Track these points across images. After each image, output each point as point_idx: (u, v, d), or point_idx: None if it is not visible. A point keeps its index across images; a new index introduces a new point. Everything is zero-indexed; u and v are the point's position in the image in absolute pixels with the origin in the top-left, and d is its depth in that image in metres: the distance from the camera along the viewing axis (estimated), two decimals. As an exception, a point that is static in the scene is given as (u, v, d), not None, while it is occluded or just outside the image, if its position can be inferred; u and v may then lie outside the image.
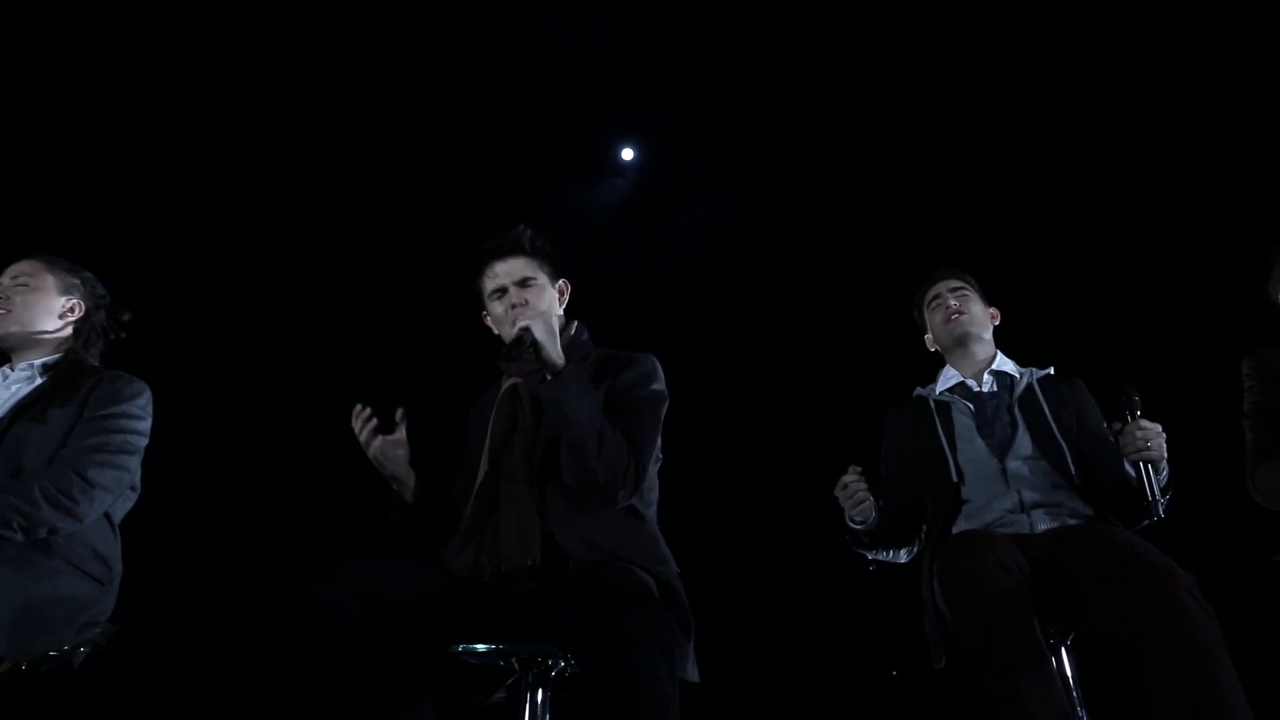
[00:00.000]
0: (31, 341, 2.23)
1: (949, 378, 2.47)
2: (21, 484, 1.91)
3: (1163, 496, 1.99)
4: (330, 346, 5.25)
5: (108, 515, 2.11)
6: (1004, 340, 2.58)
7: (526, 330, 1.93)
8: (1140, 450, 1.97)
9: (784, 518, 4.54)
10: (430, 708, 1.75)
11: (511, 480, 1.94)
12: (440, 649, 1.81)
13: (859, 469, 2.27)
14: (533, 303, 2.09)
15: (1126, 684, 1.81)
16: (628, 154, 6.06)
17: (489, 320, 2.21)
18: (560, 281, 2.21)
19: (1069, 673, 1.92)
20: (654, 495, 2.08)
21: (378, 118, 5.72)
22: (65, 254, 4.83)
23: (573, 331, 2.16)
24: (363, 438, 2.03)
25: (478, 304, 2.24)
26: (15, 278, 2.27)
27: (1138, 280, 4.36)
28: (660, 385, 2.10)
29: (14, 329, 2.21)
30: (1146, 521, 2.09)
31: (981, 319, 2.49)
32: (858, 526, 2.29)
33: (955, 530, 2.14)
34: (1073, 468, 2.18)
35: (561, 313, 2.20)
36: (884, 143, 5.51)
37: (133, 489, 2.17)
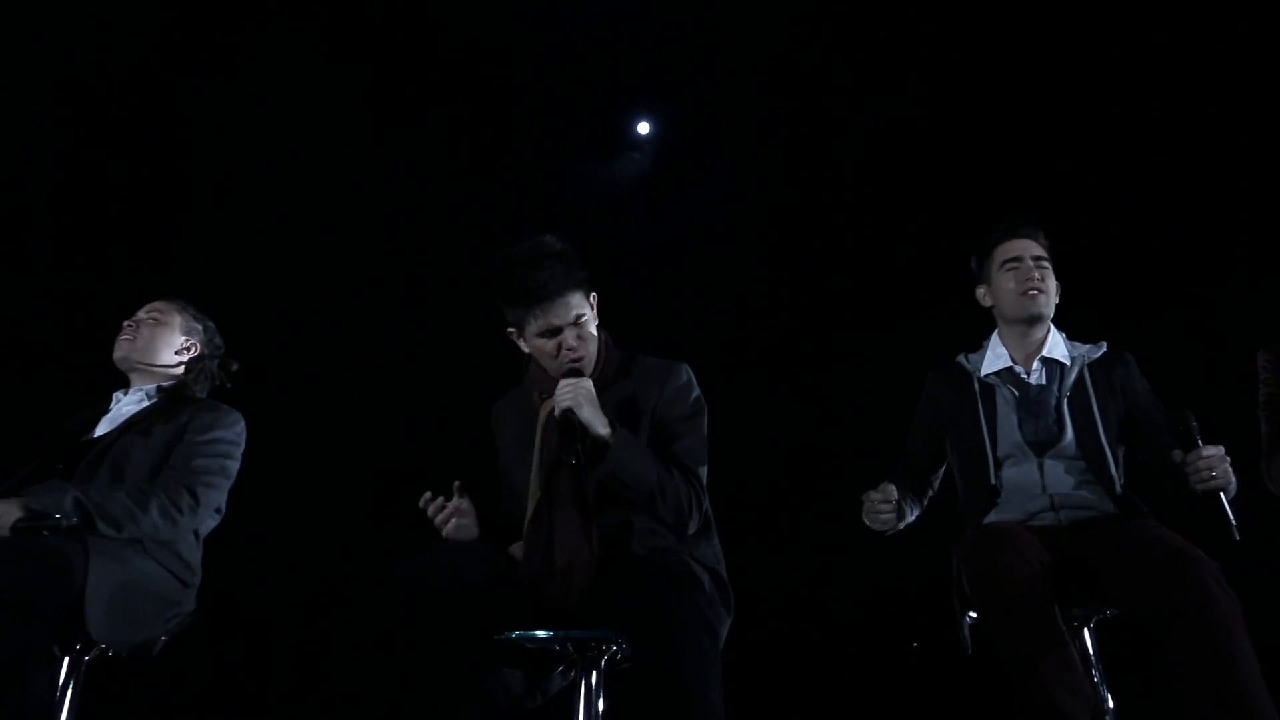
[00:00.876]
0: (148, 369, 2.50)
1: (997, 357, 2.36)
2: (140, 490, 2.12)
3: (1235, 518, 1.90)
4: (349, 332, 5.31)
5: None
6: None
7: (569, 412, 1.96)
8: (1207, 481, 1.91)
9: (806, 490, 4.65)
10: (501, 687, 1.89)
11: (564, 508, 1.98)
12: (506, 632, 1.93)
13: (892, 490, 2.14)
14: (585, 343, 2.10)
15: (1147, 664, 1.92)
16: (644, 128, 6.09)
17: (519, 340, 2.19)
18: (591, 296, 2.17)
19: (1091, 654, 2.04)
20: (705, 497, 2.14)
21: (389, 93, 5.72)
22: (74, 242, 4.91)
23: (601, 341, 2.19)
24: (438, 521, 2.05)
25: (498, 314, 2.20)
26: (149, 312, 2.56)
27: (1158, 267, 4.40)
28: (698, 395, 2.16)
29: (136, 355, 2.48)
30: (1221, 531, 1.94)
31: (1053, 299, 2.35)
32: (877, 530, 2.23)
33: (987, 520, 2.22)
34: (1114, 470, 2.19)
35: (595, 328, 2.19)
36: (905, 113, 5.50)
37: (218, 511, 2.37)
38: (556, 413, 1.97)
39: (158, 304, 2.59)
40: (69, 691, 2.00)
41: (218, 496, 2.30)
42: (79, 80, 4.98)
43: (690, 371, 2.20)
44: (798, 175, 5.72)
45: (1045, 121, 5.10)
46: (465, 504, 2.07)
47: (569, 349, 2.07)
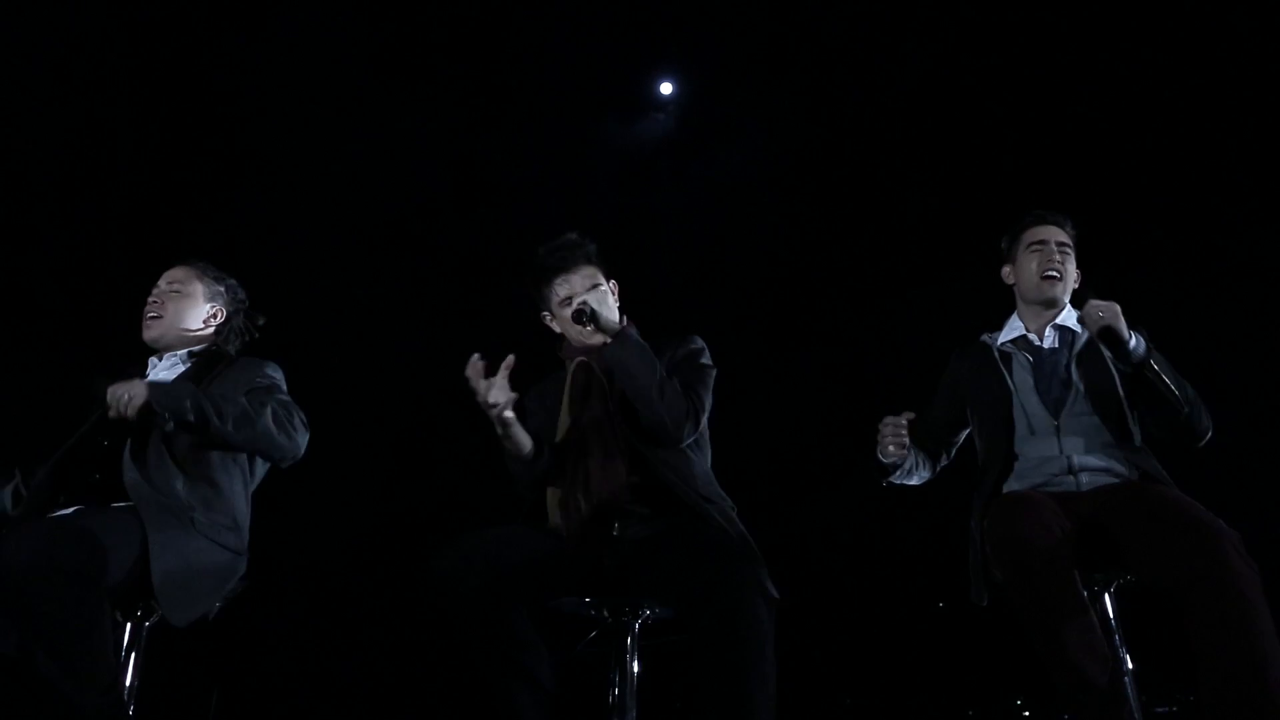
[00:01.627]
0: (179, 340, 2.50)
1: (1013, 328, 2.48)
2: (253, 401, 2.22)
3: (1183, 401, 2.10)
4: (375, 293, 5.36)
5: (245, 480, 2.36)
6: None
7: (584, 303, 2.21)
8: (1098, 320, 2.09)
9: (829, 453, 4.70)
10: (545, 654, 1.98)
11: (594, 429, 2.16)
12: (546, 603, 2.05)
13: (911, 417, 2.27)
14: (602, 303, 2.30)
15: (1167, 627, 1.97)
16: (666, 88, 6.06)
17: (551, 321, 2.41)
18: (610, 281, 2.39)
19: (1111, 618, 2.09)
20: (708, 449, 2.30)
21: (410, 54, 5.72)
22: (94, 208, 4.92)
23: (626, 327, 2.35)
24: (482, 387, 2.07)
25: (531, 301, 2.42)
26: (170, 283, 2.53)
27: (1188, 236, 4.36)
28: (709, 360, 2.33)
29: (166, 332, 2.48)
30: (1186, 430, 2.16)
31: (1070, 285, 2.46)
32: (886, 462, 2.35)
33: (1006, 488, 2.27)
34: (1132, 425, 2.24)
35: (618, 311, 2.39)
36: (930, 70, 5.44)
37: (245, 471, 2.40)
38: (574, 308, 2.22)
39: (176, 272, 2.56)
40: (133, 655, 2.11)
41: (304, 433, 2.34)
42: (96, 46, 5.00)
43: (703, 343, 2.36)
44: (824, 135, 5.68)
45: (1083, 75, 5.02)
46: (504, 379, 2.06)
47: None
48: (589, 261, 2.33)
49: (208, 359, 2.45)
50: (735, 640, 1.71)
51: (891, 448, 2.26)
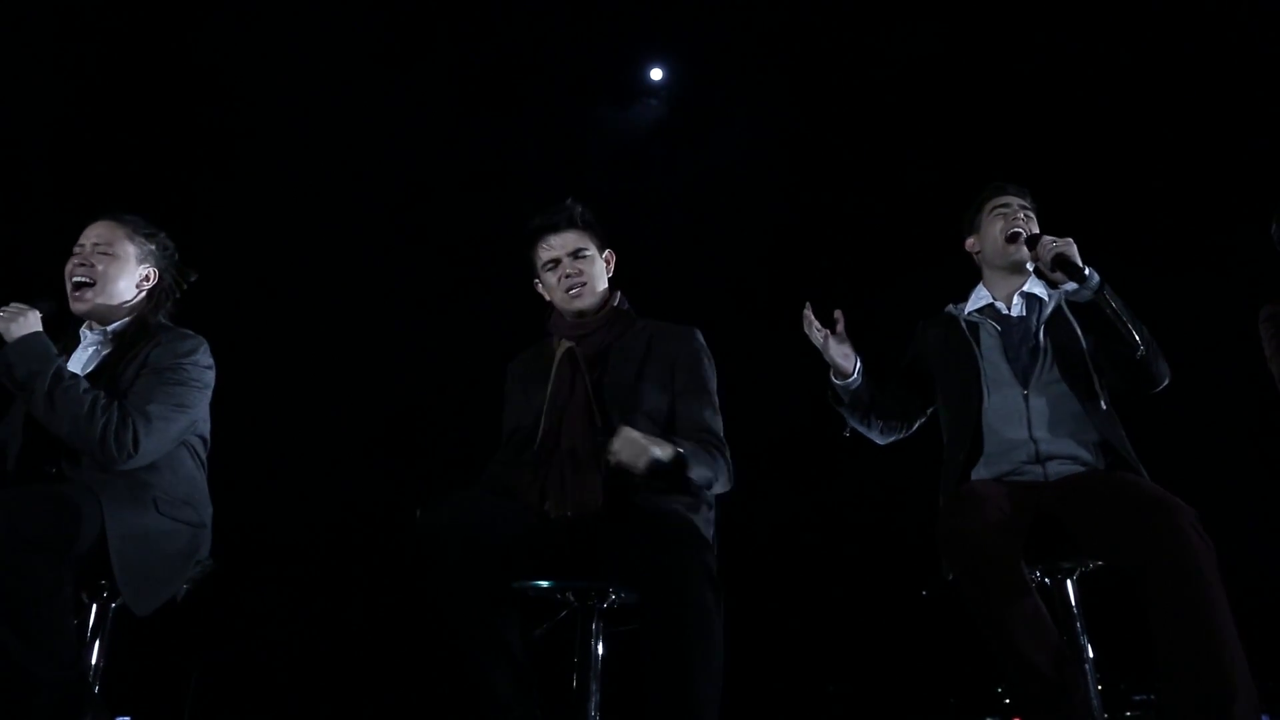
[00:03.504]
0: (109, 313, 2.31)
1: (979, 298, 2.46)
2: (94, 412, 2.03)
3: (1140, 341, 2.09)
4: (367, 272, 5.36)
5: (195, 459, 2.27)
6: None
7: (615, 454, 1.96)
8: (1050, 249, 2.11)
9: (817, 438, 4.69)
10: (518, 633, 1.97)
11: (572, 435, 2.11)
12: (518, 581, 2.04)
13: (808, 307, 2.36)
14: (585, 272, 2.28)
15: (1127, 614, 1.98)
16: (656, 74, 6.04)
17: (541, 288, 2.38)
18: (606, 252, 2.37)
19: (1073, 605, 2.10)
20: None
21: (403, 40, 5.71)
22: (93, 183, 4.89)
23: (615, 303, 2.34)
24: None
25: (528, 267, 2.40)
26: (96, 245, 2.30)
27: (1165, 214, 4.34)
28: (709, 358, 2.30)
29: (99, 301, 2.27)
30: (1143, 372, 2.14)
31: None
32: (839, 383, 2.38)
33: (974, 475, 2.25)
34: (1100, 389, 2.22)
35: (607, 283, 2.37)
36: (921, 54, 5.41)
37: (203, 439, 2.32)
38: (613, 464, 1.97)
39: (101, 230, 2.32)
40: (98, 638, 2.08)
41: (178, 416, 2.16)
42: (86, 20, 4.97)
43: (700, 335, 2.33)
44: (815, 118, 5.66)
45: (1066, 59, 4.99)
46: None
47: (566, 275, 2.27)
48: (575, 225, 2.30)
49: (131, 338, 2.25)
50: (684, 626, 1.71)
51: (819, 342, 2.33)
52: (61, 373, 2.06)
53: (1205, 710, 1.68)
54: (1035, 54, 5.06)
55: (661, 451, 1.96)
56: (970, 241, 2.53)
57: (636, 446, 1.94)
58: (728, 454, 2.14)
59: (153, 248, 2.39)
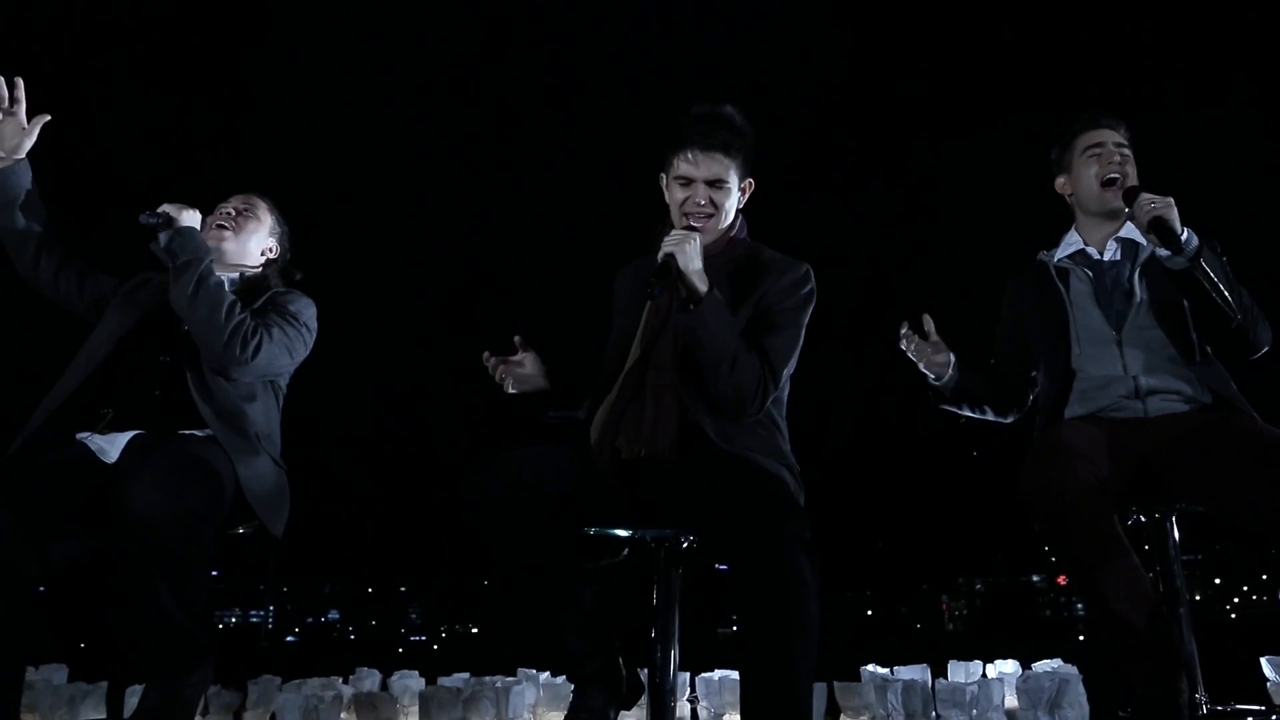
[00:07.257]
0: (235, 263, 2.44)
1: (1070, 244, 2.35)
2: (232, 311, 2.19)
3: (1236, 309, 1.97)
4: (450, 200, 5.17)
5: (278, 403, 2.42)
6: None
7: (671, 258, 1.96)
8: (1149, 210, 1.97)
9: (882, 310, 4.54)
10: (580, 580, 2.02)
11: (659, 371, 2.06)
12: (582, 529, 2.04)
13: (905, 326, 2.28)
14: (717, 204, 2.11)
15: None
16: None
17: (664, 187, 2.20)
18: (746, 181, 2.18)
19: (1171, 547, 2.04)
20: (784, 393, 2.16)
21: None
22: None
23: (734, 231, 2.20)
24: (497, 378, 2.17)
25: (658, 154, 2.21)
26: (244, 203, 2.48)
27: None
28: (810, 290, 2.14)
29: (231, 248, 2.41)
30: (1239, 339, 2.04)
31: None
32: (935, 383, 2.32)
33: (1068, 413, 2.16)
34: (1195, 339, 2.11)
35: (738, 211, 2.21)
36: None
37: (283, 390, 2.46)
38: (660, 256, 1.98)
39: (249, 197, 2.51)
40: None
41: (280, 360, 2.30)
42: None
43: (811, 271, 2.17)
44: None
45: None
46: (528, 357, 2.20)
47: (696, 204, 2.10)
48: (728, 152, 2.08)
49: (255, 286, 2.43)
50: (781, 598, 1.69)
51: (922, 353, 2.27)
52: (213, 267, 2.21)
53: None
54: None
55: (696, 274, 1.97)
56: (1061, 182, 2.38)
57: (687, 244, 1.96)
58: (768, 381, 2.00)
59: (281, 230, 2.56)
